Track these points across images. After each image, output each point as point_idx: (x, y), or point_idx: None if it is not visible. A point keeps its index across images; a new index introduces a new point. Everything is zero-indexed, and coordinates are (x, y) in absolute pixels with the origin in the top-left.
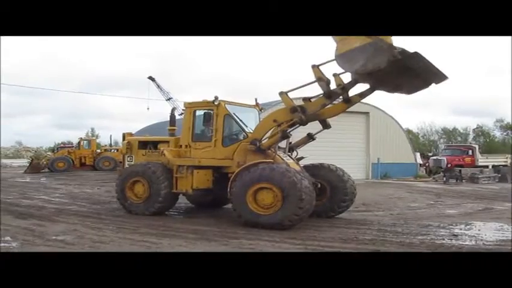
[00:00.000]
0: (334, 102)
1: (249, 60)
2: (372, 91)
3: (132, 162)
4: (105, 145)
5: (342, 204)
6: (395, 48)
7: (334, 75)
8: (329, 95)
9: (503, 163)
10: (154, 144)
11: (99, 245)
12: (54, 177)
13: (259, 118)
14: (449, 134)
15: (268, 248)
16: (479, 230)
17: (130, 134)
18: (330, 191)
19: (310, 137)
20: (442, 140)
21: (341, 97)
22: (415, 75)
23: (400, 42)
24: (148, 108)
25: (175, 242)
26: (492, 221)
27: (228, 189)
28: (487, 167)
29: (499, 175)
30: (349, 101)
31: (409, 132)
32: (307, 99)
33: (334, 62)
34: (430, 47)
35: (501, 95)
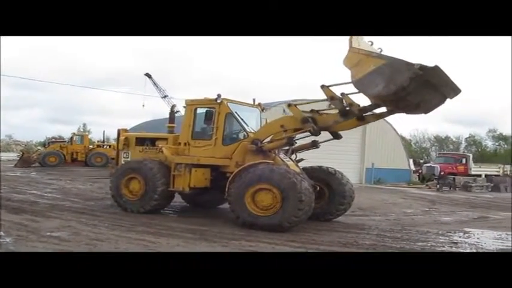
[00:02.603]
0: None
1: (246, 60)
2: (390, 113)
3: (128, 159)
4: (99, 141)
5: (340, 208)
6: (413, 64)
7: (343, 94)
8: (345, 113)
9: (496, 173)
10: (152, 141)
11: (96, 242)
12: (45, 172)
13: (261, 118)
14: (442, 142)
15: (268, 250)
16: (478, 238)
17: (126, 130)
18: (328, 193)
19: (313, 145)
20: (433, 148)
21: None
22: (434, 90)
23: (400, 42)
24: (143, 105)
25: (174, 242)
26: (489, 230)
27: (226, 190)
28: (479, 176)
29: (492, 184)
30: (363, 120)
31: (401, 138)
32: (315, 112)
33: (341, 79)
34: (429, 56)
35: (495, 106)
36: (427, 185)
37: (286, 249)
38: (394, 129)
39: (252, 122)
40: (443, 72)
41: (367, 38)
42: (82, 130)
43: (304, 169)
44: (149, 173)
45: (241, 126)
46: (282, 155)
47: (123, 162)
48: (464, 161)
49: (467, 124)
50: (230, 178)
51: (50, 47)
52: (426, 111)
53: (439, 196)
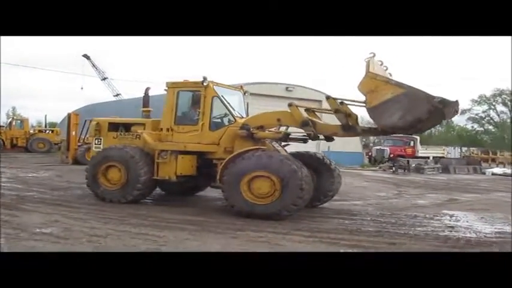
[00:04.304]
0: None
1: (187, 41)
2: (387, 133)
3: (101, 146)
4: (40, 125)
5: (328, 194)
6: (433, 97)
7: (342, 103)
8: (347, 128)
9: (441, 154)
10: (126, 127)
11: (98, 239)
12: None
13: (244, 101)
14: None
15: (280, 241)
16: (467, 221)
17: (76, 115)
18: (317, 180)
19: (303, 140)
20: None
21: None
22: (441, 117)
23: (397, 42)
24: (82, 88)
25: (180, 235)
26: (469, 212)
27: (218, 177)
28: (428, 157)
29: (441, 166)
30: (358, 135)
31: None
32: (313, 114)
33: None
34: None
35: (430, 90)
36: (380, 167)
37: (297, 238)
38: None
39: (235, 105)
40: (458, 103)
41: (376, 57)
42: (11, 114)
43: (292, 155)
44: (131, 161)
45: (228, 110)
46: (273, 142)
47: (94, 150)
48: (412, 143)
49: None
50: (222, 165)
51: None
52: (423, 131)
53: (398, 179)
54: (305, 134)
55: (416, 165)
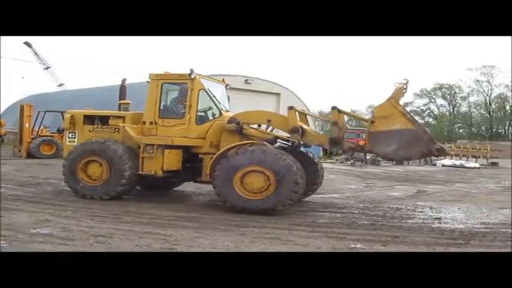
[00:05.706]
0: None
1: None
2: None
3: (75, 139)
4: None
5: (312, 187)
6: (434, 143)
7: (340, 111)
8: (335, 143)
9: None
10: (102, 120)
11: (105, 239)
12: None
13: (226, 94)
14: (325, 117)
15: (288, 236)
16: (448, 212)
17: (29, 106)
18: None
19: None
20: (316, 123)
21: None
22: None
23: (398, 42)
24: (23, 77)
25: (186, 233)
26: (444, 204)
27: (208, 172)
28: None
29: None
30: (343, 149)
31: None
32: (305, 120)
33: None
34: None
35: (372, 82)
36: (337, 160)
37: (303, 234)
38: (305, 105)
39: (218, 98)
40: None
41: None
42: None
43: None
44: (114, 155)
45: (215, 104)
46: None
47: (68, 144)
48: (364, 135)
49: (349, 99)
50: (213, 160)
51: None
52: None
53: (359, 171)
54: (286, 139)
55: (372, 157)
